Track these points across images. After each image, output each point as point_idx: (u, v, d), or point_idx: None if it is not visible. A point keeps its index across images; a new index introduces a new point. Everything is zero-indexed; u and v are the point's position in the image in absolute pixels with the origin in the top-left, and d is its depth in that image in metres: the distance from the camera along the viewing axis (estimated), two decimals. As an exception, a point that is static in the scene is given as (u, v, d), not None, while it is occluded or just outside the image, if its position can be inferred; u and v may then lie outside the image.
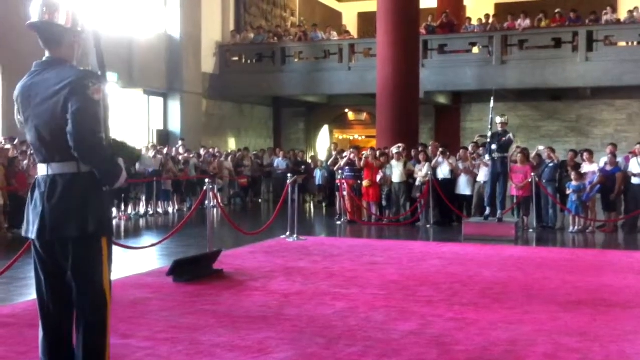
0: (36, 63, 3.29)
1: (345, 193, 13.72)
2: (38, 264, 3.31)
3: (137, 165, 3.39)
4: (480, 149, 13.30)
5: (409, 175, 13.57)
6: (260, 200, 19.49)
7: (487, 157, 11.88)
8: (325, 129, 26.22)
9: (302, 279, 7.39)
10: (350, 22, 28.37)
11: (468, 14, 23.98)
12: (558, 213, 12.76)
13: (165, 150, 16.41)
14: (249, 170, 18.95)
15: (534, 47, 19.15)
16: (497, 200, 11.61)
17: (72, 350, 3.34)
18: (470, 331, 5.23)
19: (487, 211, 11.71)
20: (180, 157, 16.71)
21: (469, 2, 25.84)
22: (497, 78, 18.41)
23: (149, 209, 15.32)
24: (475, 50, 19.94)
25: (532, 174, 12.37)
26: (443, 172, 13.22)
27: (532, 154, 13.28)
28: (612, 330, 5.29)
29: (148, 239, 11.06)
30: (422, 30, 19.28)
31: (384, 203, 13.78)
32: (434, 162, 13.30)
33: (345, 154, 14.56)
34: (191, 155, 17.07)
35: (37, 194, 3.24)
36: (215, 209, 12.39)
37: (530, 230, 12.33)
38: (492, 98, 11.93)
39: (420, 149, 14.23)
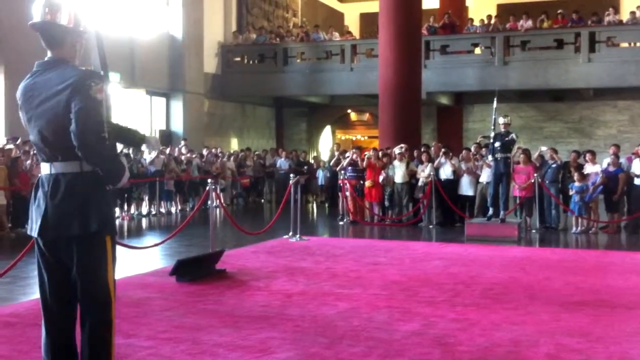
0: (38, 63, 3.29)
1: (347, 193, 13.72)
2: (41, 263, 3.31)
3: (144, 148, 3.38)
4: (483, 149, 13.29)
5: (412, 175, 13.56)
6: (262, 201, 19.50)
7: (489, 157, 11.88)
8: (327, 129, 26.23)
9: (304, 279, 7.39)
10: (352, 23, 28.38)
11: (470, 15, 23.99)
12: (561, 214, 12.75)
13: (167, 151, 16.43)
14: (251, 171, 18.96)
15: (536, 48, 19.14)
16: (500, 200, 11.59)
17: (75, 350, 3.35)
18: (473, 331, 5.23)
19: (490, 212, 11.70)
20: (183, 157, 16.72)
21: (471, 3, 25.85)
22: (499, 79, 18.41)
23: (152, 209, 15.34)
24: (478, 51, 19.93)
25: (535, 174, 12.37)
26: (445, 172, 13.22)
27: (535, 155, 13.28)
28: (615, 331, 5.29)
29: (151, 238, 11.06)
30: (424, 31, 19.27)
31: (386, 203, 13.77)
32: (436, 162, 13.29)
33: (347, 155, 14.55)
34: (193, 156, 17.09)
35: (40, 193, 3.25)
36: (217, 209, 12.41)
37: (533, 231, 12.32)
38: (495, 99, 11.93)
39: (422, 149, 14.22)
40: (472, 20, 21.96)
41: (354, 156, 14.03)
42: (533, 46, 19.13)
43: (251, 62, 22.33)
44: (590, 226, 12.32)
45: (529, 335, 5.12)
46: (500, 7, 25.56)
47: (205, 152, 17.97)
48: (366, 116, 25.69)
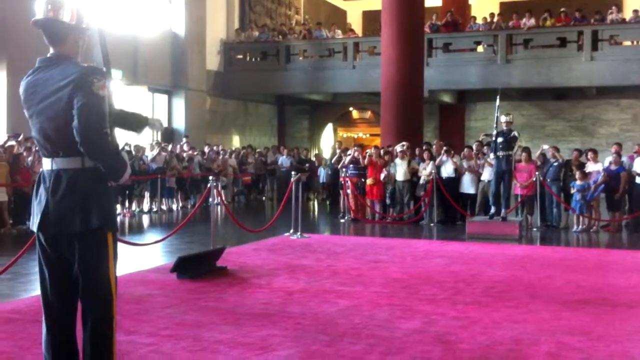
0: (40, 59, 3.29)
1: (349, 191, 13.72)
2: (42, 259, 3.31)
3: (149, 130, 3.37)
4: (485, 147, 13.29)
5: (413, 173, 13.56)
6: (264, 198, 19.51)
7: (491, 155, 11.88)
8: (329, 127, 26.23)
9: (305, 277, 7.40)
10: (355, 21, 28.38)
11: (473, 13, 23.95)
12: (562, 212, 12.75)
13: (169, 148, 16.44)
14: (252, 168, 18.97)
15: (539, 46, 19.12)
16: (502, 198, 11.59)
17: (76, 347, 3.35)
18: (474, 329, 5.23)
19: (492, 210, 11.69)
20: (185, 155, 16.74)
21: (474, 1, 25.81)
22: (502, 77, 18.39)
23: (153, 206, 15.35)
24: (480, 49, 19.91)
25: (537, 173, 12.36)
26: (447, 170, 13.22)
27: (537, 153, 13.27)
28: (616, 329, 5.28)
29: (152, 235, 11.08)
30: (427, 29, 19.25)
31: (387, 201, 13.77)
32: (438, 160, 13.29)
33: (349, 152, 14.55)
34: (195, 153, 17.10)
35: (41, 188, 3.26)
36: (219, 207, 12.41)
37: (534, 230, 12.32)
38: (497, 97, 11.91)
39: (424, 147, 14.22)
40: (474, 18, 21.92)
41: (356, 154, 14.03)
42: (536, 44, 19.11)
43: (253, 59, 22.33)
44: (592, 225, 12.32)
45: (530, 334, 5.12)
46: (503, 5, 25.52)
47: (207, 149, 17.97)
48: (368, 114, 25.69)
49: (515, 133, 11.56)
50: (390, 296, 6.44)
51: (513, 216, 12.43)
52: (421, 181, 13.38)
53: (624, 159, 12.91)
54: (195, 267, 7.34)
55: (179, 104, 20.18)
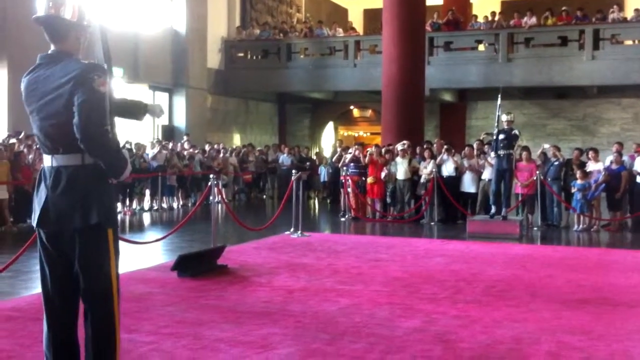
0: (41, 56, 3.29)
1: (349, 190, 13.72)
2: (43, 257, 3.31)
3: (149, 117, 3.36)
4: (486, 146, 13.28)
5: (414, 172, 13.55)
6: (264, 196, 19.51)
7: (492, 154, 11.87)
8: (330, 125, 26.22)
9: (306, 275, 7.39)
10: (356, 19, 28.35)
11: (474, 11, 23.94)
12: (563, 211, 12.75)
13: (170, 146, 16.44)
14: (253, 166, 18.97)
15: (540, 45, 19.12)
16: (503, 197, 11.59)
17: (77, 345, 3.34)
18: (474, 328, 5.22)
19: (493, 210, 11.68)
20: (185, 153, 16.74)
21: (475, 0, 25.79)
22: (503, 76, 18.39)
23: (154, 204, 15.36)
24: (481, 47, 19.91)
25: (537, 172, 12.36)
26: (448, 169, 13.21)
27: (538, 152, 13.27)
28: (617, 329, 5.28)
29: (152, 234, 11.08)
30: (428, 28, 19.24)
31: (388, 200, 13.77)
32: (438, 159, 13.28)
33: (350, 151, 14.55)
34: (196, 151, 17.10)
35: (42, 185, 3.26)
36: (219, 205, 12.40)
37: (535, 229, 12.31)
38: (499, 96, 11.91)
39: (425, 146, 14.22)
40: (476, 16, 21.93)
41: (357, 152, 14.03)
42: (537, 43, 19.11)
43: (254, 57, 22.32)
44: (592, 224, 12.31)
45: (531, 333, 5.11)
46: (504, 4, 25.50)
47: (207, 147, 17.97)
48: (369, 112, 25.69)
49: (516, 132, 11.56)
50: (391, 295, 6.43)
51: (514, 215, 12.42)
52: (422, 180, 13.37)
53: (625, 158, 12.90)
54: (195, 265, 7.34)
55: (180, 101, 20.18)
